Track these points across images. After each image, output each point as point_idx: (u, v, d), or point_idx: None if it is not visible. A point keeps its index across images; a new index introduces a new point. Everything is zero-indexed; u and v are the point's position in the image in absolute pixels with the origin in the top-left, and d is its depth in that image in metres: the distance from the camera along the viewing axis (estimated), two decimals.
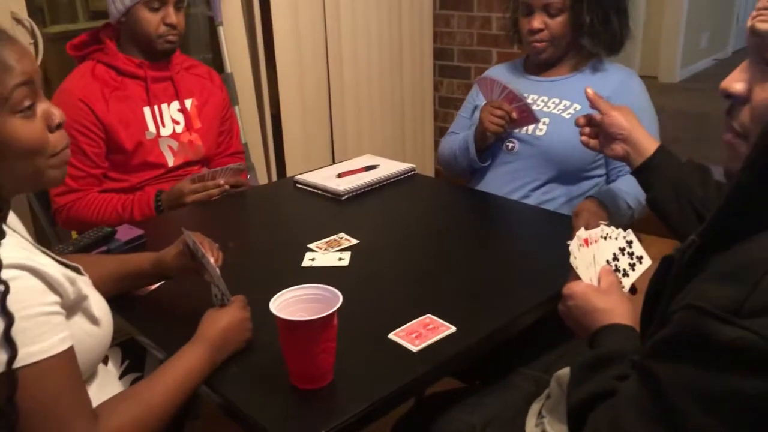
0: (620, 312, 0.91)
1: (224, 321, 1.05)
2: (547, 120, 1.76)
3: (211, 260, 1.11)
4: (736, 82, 0.78)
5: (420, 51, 3.45)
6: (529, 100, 1.77)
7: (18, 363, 0.80)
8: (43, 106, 0.92)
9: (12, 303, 0.80)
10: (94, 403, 0.91)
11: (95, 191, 1.83)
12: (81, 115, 1.77)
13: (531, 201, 1.78)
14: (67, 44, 1.87)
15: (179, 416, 1.65)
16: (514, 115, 1.71)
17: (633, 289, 1.53)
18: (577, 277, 0.99)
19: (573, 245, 1.00)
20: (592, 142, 1.40)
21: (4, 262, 0.81)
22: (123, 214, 1.79)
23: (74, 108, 1.74)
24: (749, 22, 0.77)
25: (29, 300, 0.82)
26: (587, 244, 1.02)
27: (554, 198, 1.78)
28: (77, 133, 1.75)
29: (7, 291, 0.80)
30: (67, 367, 0.86)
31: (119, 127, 1.81)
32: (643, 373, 0.71)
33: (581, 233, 1.02)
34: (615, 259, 1.05)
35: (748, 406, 0.62)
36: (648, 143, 1.29)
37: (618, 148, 1.33)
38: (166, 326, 1.19)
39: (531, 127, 1.77)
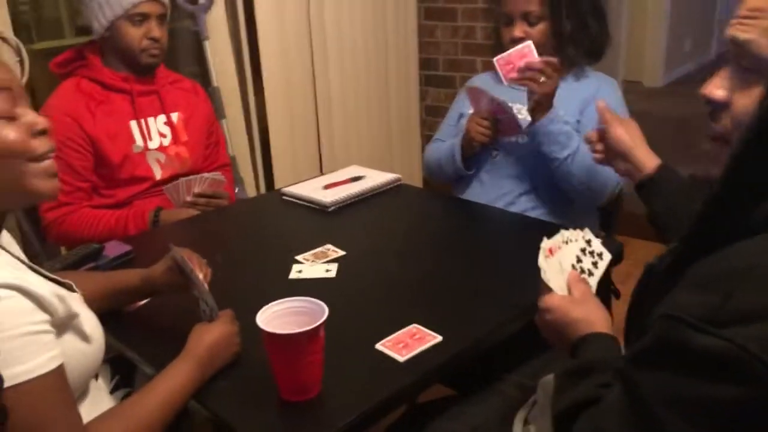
0: (597, 320, 0.93)
1: (212, 336, 1.06)
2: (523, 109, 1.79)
3: (200, 276, 1.12)
4: (716, 89, 0.79)
5: (405, 61, 3.48)
6: (514, 110, 1.80)
7: (5, 383, 0.80)
8: (25, 112, 0.93)
9: None
10: (86, 420, 0.92)
11: (86, 206, 1.83)
12: (68, 129, 1.77)
13: (517, 207, 1.80)
14: (51, 62, 1.88)
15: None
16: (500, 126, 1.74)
17: (616, 293, 1.56)
18: (549, 289, 0.99)
19: (540, 259, 1.00)
20: (598, 156, 1.39)
21: None
22: (116, 228, 1.79)
23: (61, 123, 1.75)
24: (729, 31, 0.78)
25: (16, 320, 0.83)
26: (552, 254, 1.03)
27: (540, 204, 1.81)
28: (64, 147, 1.76)
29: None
30: (57, 386, 0.87)
31: (106, 141, 1.81)
32: (625, 380, 0.72)
33: (544, 244, 1.03)
34: (578, 261, 1.06)
35: (724, 413, 0.64)
36: (649, 160, 1.28)
37: (620, 164, 1.33)
38: (154, 342, 1.19)
39: (516, 137, 1.80)
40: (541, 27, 1.74)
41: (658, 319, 0.69)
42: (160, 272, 1.18)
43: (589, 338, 0.90)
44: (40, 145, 0.94)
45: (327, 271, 1.41)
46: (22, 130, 0.92)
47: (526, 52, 1.67)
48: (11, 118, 0.91)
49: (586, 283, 1.02)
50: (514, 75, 1.68)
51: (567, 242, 1.08)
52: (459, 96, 2.04)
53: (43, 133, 0.95)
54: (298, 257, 1.47)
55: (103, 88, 1.85)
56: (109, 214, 1.82)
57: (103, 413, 0.96)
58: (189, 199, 1.83)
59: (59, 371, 0.87)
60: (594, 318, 0.93)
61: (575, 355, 0.90)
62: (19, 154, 0.91)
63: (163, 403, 0.97)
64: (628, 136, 1.31)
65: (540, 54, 1.67)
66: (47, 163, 0.95)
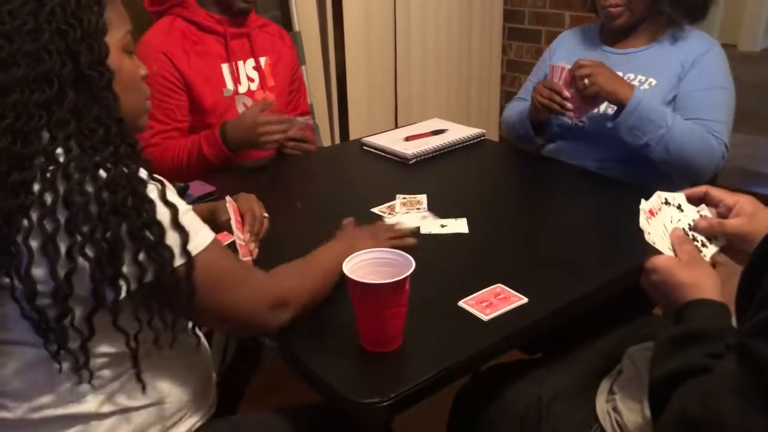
0: (708, 286, 0.87)
1: (366, 230, 1.21)
2: None
3: (246, 236, 1.18)
4: None
5: (489, 12, 3.36)
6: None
7: (193, 252, 0.87)
8: (135, 57, 1.00)
9: (172, 200, 0.87)
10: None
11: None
12: (163, 67, 1.76)
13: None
14: (145, 0, 1.88)
15: (246, 367, 1.70)
16: (567, 94, 1.61)
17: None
18: (656, 251, 0.95)
19: (642, 221, 0.96)
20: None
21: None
22: (192, 148, 1.74)
23: (156, 61, 1.75)
24: None
25: (180, 201, 0.89)
26: (653, 214, 0.99)
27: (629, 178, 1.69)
28: (161, 87, 1.75)
29: (164, 186, 0.87)
30: (224, 249, 0.97)
31: (199, 83, 1.81)
32: (744, 351, 0.68)
33: (643, 205, 0.98)
34: (691, 229, 1.01)
35: None
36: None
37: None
38: None
39: (603, 106, 1.66)
40: None
41: None
42: (223, 219, 1.21)
43: (696, 304, 0.85)
44: (146, 87, 1.02)
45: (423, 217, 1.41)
46: (138, 70, 1.00)
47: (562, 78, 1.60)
48: (131, 55, 0.98)
49: (691, 242, 0.96)
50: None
51: (667, 203, 1.01)
52: (546, 53, 1.94)
53: (144, 78, 1.02)
54: (374, 209, 1.45)
55: (197, 28, 1.83)
56: (185, 139, 1.79)
57: (278, 267, 1.04)
58: (279, 137, 1.76)
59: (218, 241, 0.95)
60: (704, 284, 0.87)
61: (680, 320, 0.85)
62: (141, 90, 1.00)
63: (324, 270, 1.06)
64: (746, 217, 0.99)
65: (630, 10, 1.60)
66: (148, 102, 1.04)
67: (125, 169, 0.84)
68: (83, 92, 0.85)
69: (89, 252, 0.81)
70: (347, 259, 0.98)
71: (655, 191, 1.03)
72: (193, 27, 1.83)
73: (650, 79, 1.65)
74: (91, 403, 0.91)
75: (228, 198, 1.21)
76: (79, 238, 0.80)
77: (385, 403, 0.89)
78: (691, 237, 0.99)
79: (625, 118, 1.54)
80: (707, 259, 0.98)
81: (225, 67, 1.87)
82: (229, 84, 1.87)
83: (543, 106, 1.65)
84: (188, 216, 0.89)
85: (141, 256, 0.83)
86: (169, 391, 0.99)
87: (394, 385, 0.91)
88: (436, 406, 1.19)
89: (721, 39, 5.83)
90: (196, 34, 1.83)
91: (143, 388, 0.95)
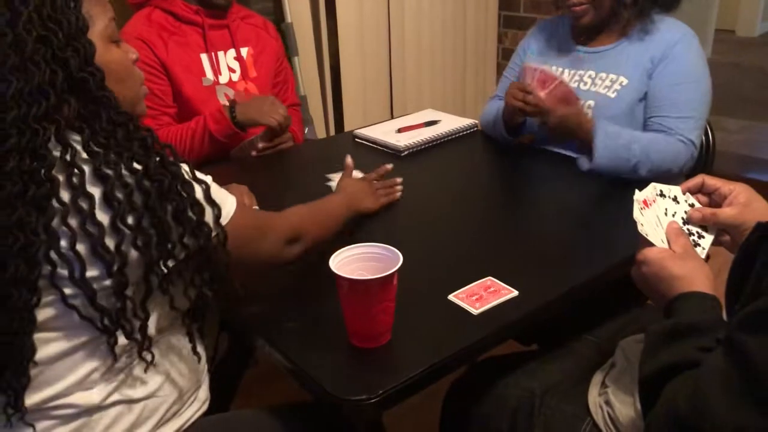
0: (699, 279, 0.86)
1: (358, 184, 1.37)
2: (592, 103, 1.61)
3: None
4: None
5: (484, 0, 3.33)
6: (576, 77, 1.65)
7: (224, 221, 0.93)
8: (123, 43, 0.98)
9: (200, 176, 0.91)
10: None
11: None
12: (142, 54, 1.74)
13: None
14: None
15: (238, 364, 1.70)
16: (542, 94, 1.54)
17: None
18: (648, 243, 0.93)
19: (636, 212, 0.95)
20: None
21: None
22: (197, 128, 1.74)
23: (135, 48, 1.73)
24: None
25: (204, 176, 0.93)
26: (647, 205, 0.98)
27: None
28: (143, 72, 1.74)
29: (189, 164, 0.91)
30: (244, 207, 1.05)
31: (178, 70, 1.80)
32: (732, 345, 0.67)
33: (637, 196, 0.97)
34: (685, 222, 0.99)
35: None
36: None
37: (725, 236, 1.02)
38: None
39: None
40: None
41: None
42: None
43: (687, 297, 0.84)
44: (138, 72, 1.02)
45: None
46: (127, 56, 0.98)
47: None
48: (118, 43, 0.96)
49: (686, 235, 0.95)
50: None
51: (662, 195, 1.00)
52: (520, 46, 1.87)
53: (135, 62, 1.00)
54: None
55: (175, 19, 1.83)
56: (188, 122, 1.78)
57: (290, 208, 1.14)
58: (255, 154, 1.79)
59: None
60: (694, 275, 0.86)
61: (671, 313, 0.84)
62: (133, 77, 0.99)
63: (329, 213, 1.21)
64: (740, 207, 0.98)
65: (595, 7, 1.57)
66: (144, 87, 1.03)
67: (157, 157, 0.86)
68: (83, 96, 0.84)
69: (139, 242, 0.84)
70: (334, 255, 0.97)
71: (651, 183, 1.02)
72: (171, 18, 1.82)
73: (621, 78, 1.60)
74: (95, 396, 0.91)
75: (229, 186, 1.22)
76: (127, 231, 0.83)
77: (373, 400, 0.88)
78: (686, 230, 0.98)
79: (598, 168, 1.50)
80: (705, 252, 0.97)
81: (204, 57, 1.86)
82: (209, 74, 1.86)
83: (517, 109, 1.60)
84: (214, 188, 0.94)
85: (186, 237, 0.88)
86: (165, 384, 0.99)
87: (383, 381, 0.90)
88: (429, 400, 1.18)
89: (719, 25, 5.80)
90: (174, 24, 1.83)
91: (144, 375, 0.95)
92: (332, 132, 2.89)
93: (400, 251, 0.97)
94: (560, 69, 1.69)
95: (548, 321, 1.09)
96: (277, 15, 2.64)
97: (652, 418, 0.76)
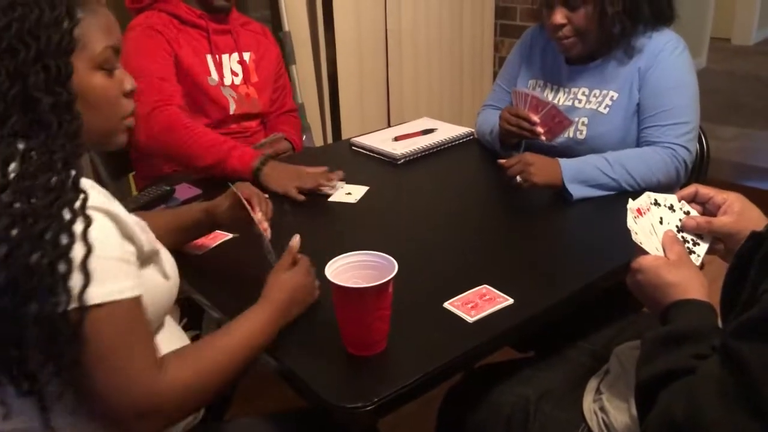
0: (694, 286, 0.87)
1: (291, 284, 1.04)
2: (585, 120, 1.60)
3: (259, 215, 1.14)
4: None
5: (481, 9, 3.35)
6: (571, 96, 1.64)
7: (89, 301, 0.79)
8: (119, 72, 0.96)
9: (92, 239, 0.80)
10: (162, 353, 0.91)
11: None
12: (154, 40, 1.76)
13: None
14: None
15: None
16: (535, 119, 1.55)
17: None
18: (643, 251, 0.94)
19: (630, 221, 0.96)
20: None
21: (89, 203, 0.82)
22: (220, 150, 1.62)
23: (144, 35, 1.75)
24: None
25: (108, 242, 0.83)
26: (641, 214, 0.98)
27: None
28: (155, 59, 1.74)
29: (89, 223, 0.80)
30: (137, 314, 0.86)
31: (188, 64, 1.81)
32: (728, 353, 0.67)
33: (631, 205, 0.98)
34: (680, 230, 1.00)
35: None
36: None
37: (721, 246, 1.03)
38: (223, 286, 1.20)
39: (571, 130, 1.61)
40: (583, 11, 1.51)
41: None
42: (225, 208, 1.21)
43: (682, 304, 0.84)
44: (129, 105, 0.98)
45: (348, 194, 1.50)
46: (117, 88, 0.95)
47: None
48: (111, 75, 0.94)
49: (681, 243, 0.96)
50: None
51: (656, 204, 1.01)
52: (513, 53, 1.86)
53: (130, 94, 0.98)
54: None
55: (180, 22, 1.84)
56: (215, 134, 1.68)
57: (178, 349, 0.94)
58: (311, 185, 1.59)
59: (139, 301, 0.86)
60: (689, 283, 0.87)
61: (666, 320, 0.85)
62: (113, 109, 0.95)
63: (238, 347, 0.94)
64: (734, 215, 0.98)
65: (582, 40, 1.55)
66: (130, 120, 0.99)
67: (56, 199, 0.79)
68: (29, 115, 0.81)
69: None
70: (329, 263, 0.97)
71: (645, 192, 1.03)
72: (176, 21, 1.84)
73: (611, 93, 1.59)
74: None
75: (231, 185, 1.20)
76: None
77: (369, 408, 0.88)
78: (681, 238, 0.99)
79: (576, 195, 1.48)
80: (700, 259, 0.98)
81: (209, 58, 1.87)
82: (214, 74, 1.87)
83: (512, 134, 1.62)
84: (108, 264, 0.82)
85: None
86: None
87: (378, 388, 0.90)
88: (424, 407, 1.19)
89: (714, 33, 5.81)
90: (178, 26, 1.84)
91: None
92: (329, 140, 2.90)
93: (395, 259, 0.97)
94: (554, 87, 1.70)
95: (546, 327, 1.10)
96: (275, 23, 2.65)
97: (647, 424, 0.76)
